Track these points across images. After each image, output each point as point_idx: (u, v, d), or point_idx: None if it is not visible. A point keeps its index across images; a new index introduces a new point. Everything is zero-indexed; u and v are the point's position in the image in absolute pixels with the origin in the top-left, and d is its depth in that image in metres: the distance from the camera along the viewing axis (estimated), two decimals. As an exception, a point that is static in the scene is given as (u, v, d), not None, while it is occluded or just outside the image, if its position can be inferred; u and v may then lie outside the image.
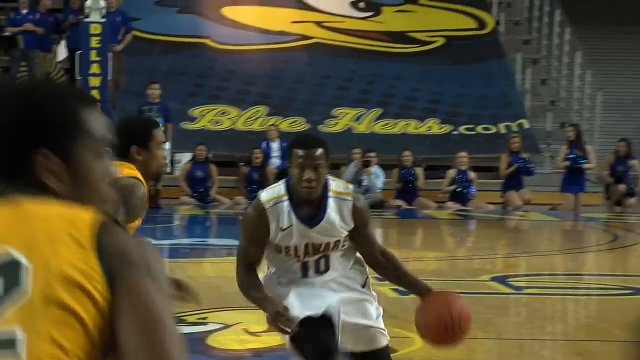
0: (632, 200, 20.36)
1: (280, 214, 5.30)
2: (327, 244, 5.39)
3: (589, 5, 24.57)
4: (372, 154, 19.55)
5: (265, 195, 5.40)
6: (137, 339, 2.14)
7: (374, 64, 21.62)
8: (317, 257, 5.43)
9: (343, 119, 21.05)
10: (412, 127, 20.81)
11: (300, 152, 5.16)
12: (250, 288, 5.37)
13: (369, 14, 22.39)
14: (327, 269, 5.48)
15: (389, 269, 5.62)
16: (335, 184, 5.45)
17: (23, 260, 1.97)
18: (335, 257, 5.49)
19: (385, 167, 19.76)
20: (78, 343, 2.08)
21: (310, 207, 5.35)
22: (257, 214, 5.32)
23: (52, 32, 21.49)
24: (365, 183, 19.49)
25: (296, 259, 5.42)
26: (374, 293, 5.61)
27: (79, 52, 19.04)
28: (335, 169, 19.52)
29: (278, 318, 5.07)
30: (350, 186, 5.76)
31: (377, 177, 19.46)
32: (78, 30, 19.81)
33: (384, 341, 5.48)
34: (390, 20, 22.36)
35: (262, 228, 5.32)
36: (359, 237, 5.49)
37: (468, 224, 19.20)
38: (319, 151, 5.23)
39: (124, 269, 2.16)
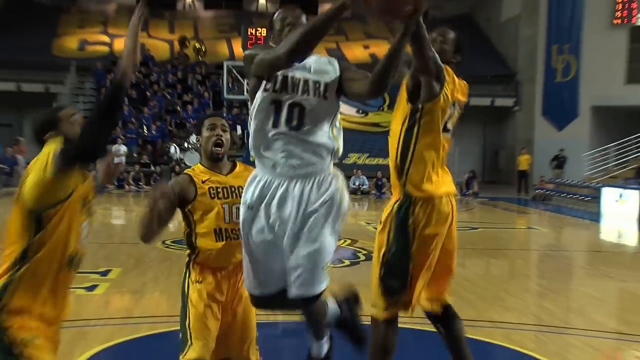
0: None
1: None
2: (306, 81, 2.69)
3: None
4: (359, 170, 20.22)
5: None
6: None
7: (364, 136, 21.70)
8: (291, 100, 2.68)
9: (352, 158, 21.52)
10: (381, 161, 21.22)
11: None
12: None
13: (363, 115, 22.46)
14: (300, 124, 2.67)
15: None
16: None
17: None
18: (312, 114, 2.69)
19: (369, 177, 20.41)
20: None
21: None
22: None
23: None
24: (357, 183, 20.13)
25: (272, 96, 2.67)
26: (339, 174, 2.79)
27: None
28: (348, 179, 19.88)
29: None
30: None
31: (364, 180, 20.23)
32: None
33: (319, 288, 2.68)
34: (372, 117, 22.45)
35: None
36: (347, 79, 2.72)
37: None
38: None
39: None
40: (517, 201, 19.18)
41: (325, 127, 2.75)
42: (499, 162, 26.66)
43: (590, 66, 22.39)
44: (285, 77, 2.73)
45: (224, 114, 22.26)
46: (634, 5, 22.69)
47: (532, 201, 19.34)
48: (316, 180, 2.72)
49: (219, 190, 2.93)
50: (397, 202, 3.08)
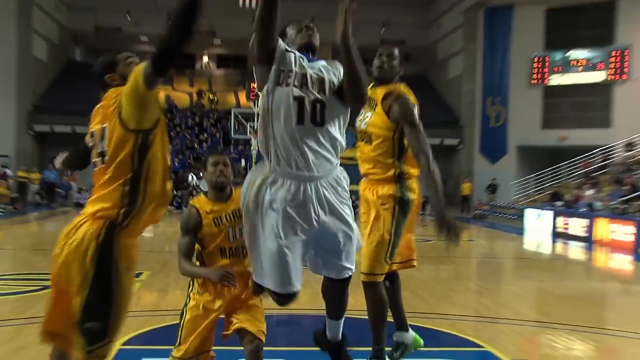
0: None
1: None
2: (322, 80, 2.33)
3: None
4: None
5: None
6: None
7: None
8: (314, 97, 2.31)
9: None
10: (354, 187, 23.74)
11: None
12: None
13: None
14: (322, 120, 2.31)
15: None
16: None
17: None
18: (330, 111, 2.34)
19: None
20: None
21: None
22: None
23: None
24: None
25: (294, 92, 2.27)
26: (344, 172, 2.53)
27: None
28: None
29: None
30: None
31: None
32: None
33: (348, 273, 2.52)
34: (347, 152, 23.90)
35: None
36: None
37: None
38: None
39: None
40: (460, 219, 18.99)
41: (340, 124, 2.41)
42: (447, 188, 27.17)
43: (515, 115, 22.92)
44: (304, 75, 2.33)
45: (231, 149, 21.57)
46: (546, 70, 23.37)
47: (472, 219, 19.46)
48: (334, 181, 2.43)
49: (222, 217, 2.75)
50: (400, 185, 3.01)
